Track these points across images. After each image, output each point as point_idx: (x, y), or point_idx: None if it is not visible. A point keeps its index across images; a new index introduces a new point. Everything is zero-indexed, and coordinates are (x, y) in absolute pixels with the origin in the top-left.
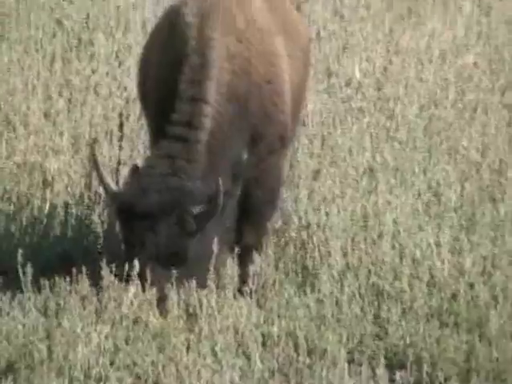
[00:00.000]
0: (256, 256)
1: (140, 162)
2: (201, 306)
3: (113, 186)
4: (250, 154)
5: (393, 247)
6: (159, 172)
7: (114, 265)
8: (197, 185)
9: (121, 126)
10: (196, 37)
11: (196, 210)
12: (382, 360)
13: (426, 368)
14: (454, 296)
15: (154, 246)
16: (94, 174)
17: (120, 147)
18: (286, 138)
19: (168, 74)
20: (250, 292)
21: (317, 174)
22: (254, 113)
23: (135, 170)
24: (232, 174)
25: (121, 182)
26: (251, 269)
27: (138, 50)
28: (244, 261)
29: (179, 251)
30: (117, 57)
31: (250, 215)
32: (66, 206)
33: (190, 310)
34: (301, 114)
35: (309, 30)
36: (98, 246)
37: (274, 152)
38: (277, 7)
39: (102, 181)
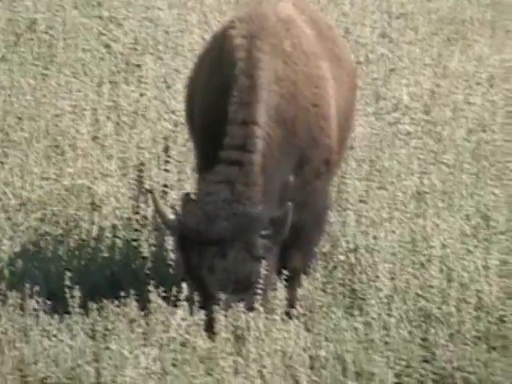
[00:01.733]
0: (304, 279)
1: (190, 188)
2: (249, 328)
3: (170, 216)
4: (296, 178)
5: (441, 271)
6: (222, 199)
7: (161, 288)
8: (261, 210)
9: (166, 149)
10: (244, 58)
11: (264, 234)
12: (430, 383)
13: None
14: (502, 319)
15: (224, 272)
16: (142, 197)
17: (166, 170)
18: (332, 162)
19: (216, 98)
20: (298, 315)
21: (365, 197)
22: (301, 136)
23: (188, 198)
24: (279, 197)
25: (169, 206)
26: (299, 292)
27: (186, 74)
28: (292, 284)
29: (246, 277)
30: (165, 80)
31: (298, 239)
32: (114, 228)
33: (238, 332)
34: (347, 139)
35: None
36: (146, 269)
37: (319, 176)
38: (324, 33)
39: (159, 212)
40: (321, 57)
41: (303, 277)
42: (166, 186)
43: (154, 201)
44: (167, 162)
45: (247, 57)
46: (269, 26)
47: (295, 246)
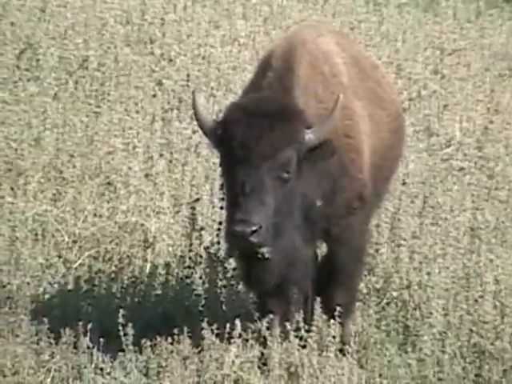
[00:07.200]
0: (357, 316)
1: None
2: (302, 365)
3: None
4: (327, 206)
5: (494, 306)
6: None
7: (215, 325)
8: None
9: (222, 186)
10: (280, 66)
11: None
12: None
13: None
14: None
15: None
16: (195, 234)
17: (221, 208)
18: (366, 198)
19: None
20: (352, 352)
21: (418, 233)
22: (333, 162)
23: (236, 105)
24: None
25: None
26: (352, 329)
27: None
28: (344, 321)
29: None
30: (217, 117)
31: (338, 275)
32: (167, 266)
33: (292, 369)
34: (387, 181)
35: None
36: (199, 307)
37: (353, 211)
38: (366, 73)
39: (196, 113)
40: (357, 93)
41: (357, 313)
42: (220, 223)
43: (193, 100)
44: (222, 199)
45: (282, 64)
46: (308, 48)
47: (337, 282)
